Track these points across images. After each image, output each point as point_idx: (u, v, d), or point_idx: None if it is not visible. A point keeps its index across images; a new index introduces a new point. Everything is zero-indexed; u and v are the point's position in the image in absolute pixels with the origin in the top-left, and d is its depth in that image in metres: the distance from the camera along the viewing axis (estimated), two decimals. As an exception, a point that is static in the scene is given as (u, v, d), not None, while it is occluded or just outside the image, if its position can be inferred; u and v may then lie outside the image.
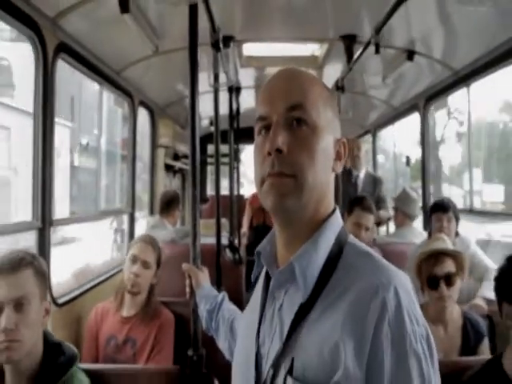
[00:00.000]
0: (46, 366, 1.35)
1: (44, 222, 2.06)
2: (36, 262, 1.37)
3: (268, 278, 0.90)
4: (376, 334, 0.72)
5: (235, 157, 4.21)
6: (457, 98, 3.35)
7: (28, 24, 1.96)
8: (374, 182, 4.30)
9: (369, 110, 4.84)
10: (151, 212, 4.04)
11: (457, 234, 2.89)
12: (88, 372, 1.49)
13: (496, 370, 1.48)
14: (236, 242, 3.64)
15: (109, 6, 2.11)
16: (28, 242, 2.10)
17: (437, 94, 3.38)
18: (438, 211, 2.86)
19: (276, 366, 0.80)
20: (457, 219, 2.86)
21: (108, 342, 2.12)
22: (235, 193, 4.17)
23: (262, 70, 3.82)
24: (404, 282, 0.78)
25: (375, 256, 0.83)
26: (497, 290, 1.52)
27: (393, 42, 2.76)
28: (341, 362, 0.73)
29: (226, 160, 4.02)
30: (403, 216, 3.65)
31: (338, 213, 0.89)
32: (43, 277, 1.39)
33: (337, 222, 0.87)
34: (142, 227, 3.79)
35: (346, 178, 4.13)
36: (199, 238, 1.63)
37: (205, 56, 2.35)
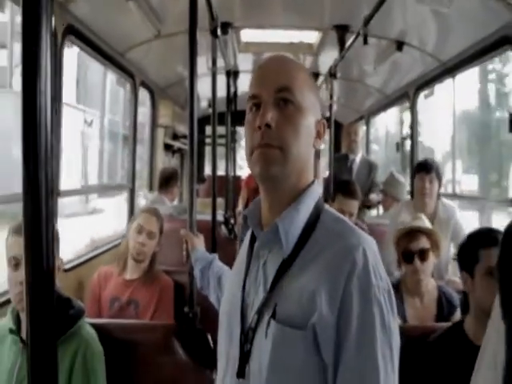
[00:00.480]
0: (58, 317, 1.53)
1: (52, 192, 2.23)
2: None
3: (253, 238, 1.04)
4: (347, 285, 0.87)
5: (232, 138, 4.37)
6: (444, 90, 3.50)
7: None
8: (369, 166, 4.43)
9: (363, 96, 4.98)
10: (150, 188, 4.21)
11: (439, 196, 2.94)
12: (93, 326, 1.67)
13: (458, 332, 1.67)
14: (231, 219, 3.81)
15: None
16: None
17: (426, 83, 3.53)
18: (421, 171, 2.90)
19: (260, 312, 0.94)
20: (439, 181, 2.90)
21: (112, 303, 2.29)
22: (231, 174, 4.34)
23: (260, 55, 3.95)
24: (371, 245, 0.94)
25: (348, 222, 0.99)
26: (458, 261, 1.71)
27: (383, 33, 2.91)
28: (316, 308, 0.87)
29: (223, 141, 4.18)
30: (391, 199, 3.82)
31: (316, 184, 1.03)
32: (56, 237, 1.56)
33: (315, 192, 1.01)
34: (142, 202, 3.96)
35: (342, 163, 4.27)
36: (195, 211, 1.81)
37: (204, 40, 2.49)
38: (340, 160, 4.23)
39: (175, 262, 2.35)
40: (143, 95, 3.96)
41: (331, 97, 3.40)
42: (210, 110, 2.64)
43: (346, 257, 0.89)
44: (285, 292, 0.92)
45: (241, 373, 0.94)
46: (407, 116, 4.08)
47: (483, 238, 1.65)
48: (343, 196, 2.87)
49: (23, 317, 1.51)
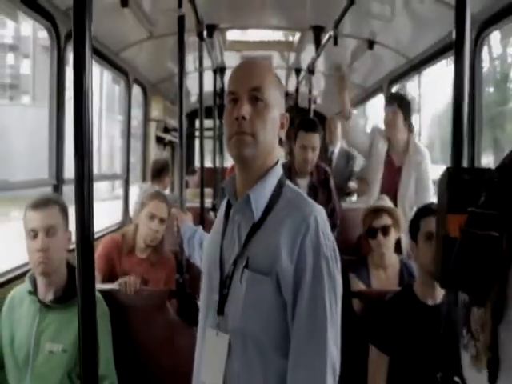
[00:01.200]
0: (69, 282, 1.81)
1: (58, 180, 2.51)
2: (60, 201, 1.81)
3: (228, 206, 1.32)
4: (302, 243, 1.15)
5: (219, 131, 4.66)
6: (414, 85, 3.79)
7: (45, 16, 2.38)
8: (347, 157, 4.73)
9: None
10: (143, 179, 4.48)
11: (411, 132, 3.13)
12: (99, 291, 1.95)
13: (408, 293, 1.97)
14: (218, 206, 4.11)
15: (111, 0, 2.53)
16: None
17: (396, 78, 3.83)
18: (386, 105, 3.17)
19: (236, 263, 1.21)
20: (405, 113, 3.07)
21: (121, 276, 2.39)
22: (219, 165, 4.64)
23: (245, 52, 4.24)
24: (321, 213, 1.22)
25: (303, 195, 1.27)
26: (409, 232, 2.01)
27: (354, 33, 3.20)
28: (279, 259, 1.14)
29: (212, 134, 4.47)
30: (365, 184, 4.10)
31: (280, 164, 1.31)
32: (66, 212, 1.81)
33: (279, 171, 1.29)
34: (136, 191, 4.24)
35: (322, 153, 4.57)
36: (185, 197, 2.11)
37: (193, 40, 2.77)
38: (320, 151, 4.52)
39: (169, 243, 2.63)
40: (136, 91, 4.22)
41: (310, 91, 3.69)
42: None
43: (301, 222, 1.16)
44: (255, 247, 1.19)
45: (220, 311, 1.21)
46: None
47: (423, 209, 1.96)
48: (305, 131, 2.90)
49: (40, 281, 1.78)
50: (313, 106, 4.14)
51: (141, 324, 1.99)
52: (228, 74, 4.57)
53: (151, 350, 1.97)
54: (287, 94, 5.72)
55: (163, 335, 1.98)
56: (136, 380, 1.98)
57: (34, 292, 1.78)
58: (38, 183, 2.53)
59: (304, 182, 2.93)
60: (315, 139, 2.90)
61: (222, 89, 4.72)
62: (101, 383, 1.76)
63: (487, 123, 4.01)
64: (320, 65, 4.10)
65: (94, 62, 2.60)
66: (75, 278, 1.77)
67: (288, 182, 1.30)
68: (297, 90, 4.84)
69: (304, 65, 4.44)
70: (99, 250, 2.53)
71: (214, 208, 3.73)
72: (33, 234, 1.73)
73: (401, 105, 3.09)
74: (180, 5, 2.03)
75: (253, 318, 1.16)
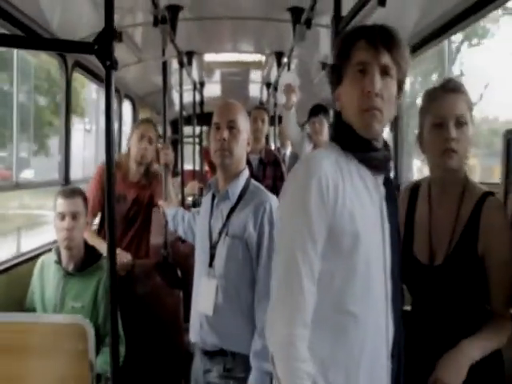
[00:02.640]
0: (86, 256, 2.40)
1: (66, 180, 3.15)
2: (83, 193, 2.41)
3: (213, 197, 1.97)
4: (262, 218, 1.80)
5: (199, 137, 5.33)
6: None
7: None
8: (297, 158, 5.38)
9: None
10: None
11: None
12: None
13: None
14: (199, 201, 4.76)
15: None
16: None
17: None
18: (311, 115, 3.73)
19: (220, 232, 1.86)
20: (328, 121, 3.65)
21: (118, 200, 2.82)
22: (198, 168, 5.33)
23: (220, 71, 4.92)
24: (274, 199, 1.86)
25: (263, 188, 1.94)
26: None
27: (308, 58, 3.87)
28: (247, 229, 1.79)
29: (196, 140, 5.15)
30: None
31: (246, 169, 1.95)
32: (86, 202, 2.40)
33: (246, 173, 1.94)
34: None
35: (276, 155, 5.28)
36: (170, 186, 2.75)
37: (175, 61, 3.40)
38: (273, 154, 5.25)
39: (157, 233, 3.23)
40: (126, 105, 4.87)
41: (275, 104, 4.37)
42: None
43: (261, 205, 1.84)
44: (232, 222, 1.86)
45: (210, 264, 1.87)
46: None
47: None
48: (257, 109, 3.81)
49: (63, 253, 2.34)
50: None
51: (135, 288, 2.62)
52: (207, 86, 5.25)
53: (143, 308, 2.59)
54: (262, 103, 6.41)
55: (152, 296, 2.60)
56: (132, 332, 2.60)
57: (59, 262, 2.36)
58: (51, 183, 3.17)
59: (255, 159, 3.58)
60: (263, 113, 3.73)
61: (202, 100, 5.39)
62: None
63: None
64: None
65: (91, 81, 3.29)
66: (90, 253, 2.39)
67: (252, 180, 1.98)
68: (267, 101, 5.51)
69: (272, 80, 5.12)
70: (95, 178, 2.90)
71: (195, 204, 4.38)
72: (61, 216, 2.30)
73: (325, 114, 3.73)
74: (163, 52, 2.68)
75: (231, 268, 1.83)
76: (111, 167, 1.33)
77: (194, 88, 4.59)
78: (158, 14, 2.49)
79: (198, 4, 3.01)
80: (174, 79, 4.55)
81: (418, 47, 2.71)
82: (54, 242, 2.62)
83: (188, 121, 5.44)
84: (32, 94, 11.04)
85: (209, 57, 4.40)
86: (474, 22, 2.38)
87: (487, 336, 1.44)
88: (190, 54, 3.85)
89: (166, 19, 2.59)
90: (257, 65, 4.65)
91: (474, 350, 1.41)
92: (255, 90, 5.99)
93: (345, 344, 1.21)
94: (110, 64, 1.36)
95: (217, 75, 5.22)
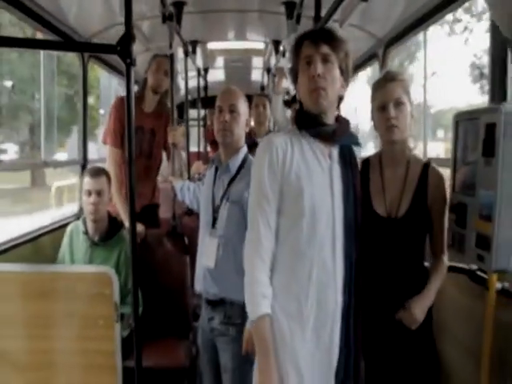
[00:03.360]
0: (109, 228, 2.74)
1: (84, 160, 3.50)
2: (107, 173, 2.74)
3: (216, 170, 2.29)
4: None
5: (204, 120, 5.68)
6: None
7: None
8: None
9: None
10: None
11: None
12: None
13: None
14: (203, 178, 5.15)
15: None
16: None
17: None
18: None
19: (222, 198, 2.19)
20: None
21: (136, 131, 2.92)
22: (203, 149, 5.68)
23: (222, 58, 5.24)
24: None
25: None
26: None
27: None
28: (243, 195, 2.06)
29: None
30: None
31: (245, 146, 2.27)
32: (110, 180, 2.73)
33: (245, 149, 2.27)
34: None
35: None
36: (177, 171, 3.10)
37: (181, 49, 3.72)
38: None
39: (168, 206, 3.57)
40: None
41: (273, 88, 4.70)
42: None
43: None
44: (231, 190, 2.19)
45: (213, 226, 2.21)
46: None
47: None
48: (258, 96, 3.98)
49: (89, 225, 2.70)
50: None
51: (148, 254, 2.97)
52: (211, 71, 5.58)
53: (155, 271, 2.95)
54: (263, 88, 6.73)
55: (163, 260, 2.97)
56: (145, 292, 2.95)
57: (86, 232, 2.72)
58: (74, 162, 3.53)
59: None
60: (264, 100, 3.89)
61: (206, 84, 5.72)
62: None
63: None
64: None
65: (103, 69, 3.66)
66: (113, 225, 2.74)
67: (250, 156, 2.28)
68: (268, 85, 5.83)
69: (270, 65, 5.44)
70: (113, 113, 3.11)
71: (200, 179, 4.75)
72: (88, 193, 2.64)
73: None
74: (171, 45, 3.00)
75: (230, 228, 2.16)
76: (131, 153, 1.68)
77: (199, 74, 4.91)
78: (165, 12, 2.81)
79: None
80: (179, 66, 4.87)
81: (392, 42, 3.04)
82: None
83: (193, 104, 5.78)
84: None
85: (212, 45, 4.71)
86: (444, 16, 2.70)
87: (436, 280, 1.87)
88: (194, 43, 4.16)
89: (173, 16, 2.90)
90: (257, 52, 4.96)
91: (431, 292, 1.83)
92: (257, 75, 6.30)
93: (296, 277, 1.60)
94: (130, 62, 1.70)
95: (220, 62, 5.52)
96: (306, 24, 3.26)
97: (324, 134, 1.65)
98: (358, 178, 1.70)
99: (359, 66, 4.12)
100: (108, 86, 5.10)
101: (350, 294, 1.62)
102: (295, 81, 1.69)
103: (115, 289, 1.90)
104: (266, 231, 1.61)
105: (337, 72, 1.62)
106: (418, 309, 1.79)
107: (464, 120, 1.84)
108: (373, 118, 1.93)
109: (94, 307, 1.91)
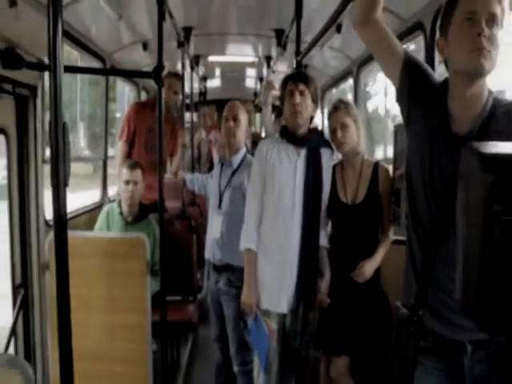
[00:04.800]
0: (140, 212, 3.32)
1: (105, 155, 4.18)
2: (141, 166, 3.30)
3: (221, 165, 2.99)
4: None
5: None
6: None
7: (98, 57, 3.99)
8: None
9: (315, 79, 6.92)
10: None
11: None
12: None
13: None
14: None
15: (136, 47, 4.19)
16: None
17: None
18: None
19: (226, 186, 2.89)
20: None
21: (147, 132, 3.73)
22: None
23: (220, 68, 5.96)
24: None
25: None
26: None
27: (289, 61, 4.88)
28: (243, 182, 2.78)
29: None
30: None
31: (244, 146, 2.98)
32: (143, 172, 3.31)
33: (244, 149, 2.97)
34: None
35: None
36: (183, 167, 3.79)
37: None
38: None
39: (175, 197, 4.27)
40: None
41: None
42: (187, 101, 4.60)
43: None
44: (234, 179, 2.88)
45: (219, 206, 2.91)
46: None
47: None
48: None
49: (124, 208, 3.27)
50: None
51: (165, 231, 3.65)
52: (209, 80, 6.32)
53: (169, 247, 3.61)
54: (256, 94, 7.46)
55: (174, 238, 3.63)
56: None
57: (121, 213, 3.32)
58: (96, 158, 4.21)
59: None
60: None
61: (205, 89, 6.48)
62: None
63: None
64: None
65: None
66: (142, 210, 3.42)
67: (249, 155, 2.98)
68: (260, 92, 6.56)
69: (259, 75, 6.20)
70: (126, 116, 3.84)
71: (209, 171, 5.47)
72: (126, 182, 3.22)
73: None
74: (183, 65, 3.70)
75: (232, 208, 2.82)
76: (161, 157, 2.38)
77: (200, 80, 5.64)
78: (180, 39, 3.52)
79: (204, 24, 4.02)
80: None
81: (364, 62, 3.75)
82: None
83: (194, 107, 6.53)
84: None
85: (212, 58, 5.42)
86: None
87: (381, 249, 2.54)
88: (197, 57, 4.87)
89: (185, 42, 3.60)
90: (251, 64, 5.67)
91: (377, 257, 2.51)
92: (250, 82, 7.02)
93: (270, 228, 2.47)
94: (161, 84, 2.39)
95: (218, 71, 6.25)
96: (292, 47, 3.99)
97: (294, 140, 2.45)
98: (320, 169, 2.43)
99: (338, 80, 4.85)
100: (122, 93, 5.74)
101: (305, 240, 2.41)
102: (282, 104, 2.49)
103: (147, 249, 2.59)
104: (256, 204, 2.50)
105: (309, 101, 2.42)
106: (366, 268, 2.46)
107: (401, 129, 2.53)
108: (330, 138, 2.63)
109: (132, 263, 2.58)
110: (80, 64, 3.92)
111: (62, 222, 1.15)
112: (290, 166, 2.45)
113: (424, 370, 1.60)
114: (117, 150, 4.08)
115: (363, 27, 1.57)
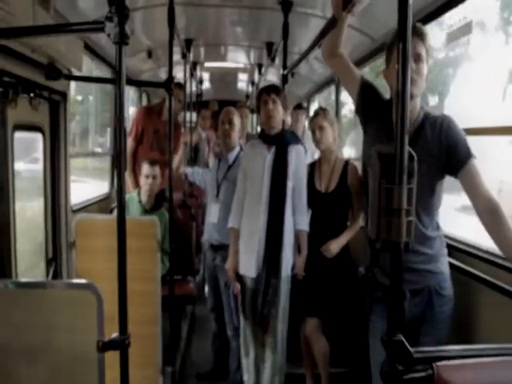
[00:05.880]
0: (156, 201, 3.87)
1: (115, 151, 4.68)
2: (159, 162, 3.84)
3: (219, 161, 3.54)
4: None
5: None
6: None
7: (111, 65, 4.50)
8: None
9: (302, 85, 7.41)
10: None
11: None
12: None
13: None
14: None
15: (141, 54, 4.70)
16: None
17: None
18: None
19: (223, 179, 3.43)
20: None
21: (154, 133, 4.36)
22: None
23: (215, 72, 6.51)
24: None
25: None
26: None
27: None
28: (239, 175, 3.21)
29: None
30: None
31: (238, 145, 3.52)
32: (162, 168, 3.85)
33: (238, 147, 3.50)
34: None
35: None
36: (184, 163, 4.32)
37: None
38: None
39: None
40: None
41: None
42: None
43: None
44: (229, 173, 3.42)
45: (217, 195, 3.45)
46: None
47: None
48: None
49: (144, 198, 3.79)
50: None
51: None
52: (205, 83, 6.86)
53: (173, 232, 4.13)
54: (247, 96, 8.00)
55: (176, 226, 4.14)
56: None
57: (140, 202, 3.84)
58: (108, 153, 4.73)
59: None
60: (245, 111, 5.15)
61: (201, 92, 7.01)
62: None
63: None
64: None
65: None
66: (158, 199, 3.97)
67: (241, 152, 3.50)
68: (252, 94, 7.11)
69: (250, 80, 6.76)
70: (135, 118, 4.47)
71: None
72: (146, 176, 3.74)
73: (300, 109, 5.20)
74: (185, 76, 4.22)
75: (227, 197, 3.31)
76: (170, 156, 2.90)
77: (197, 83, 6.18)
78: (183, 51, 4.05)
79: (203, 36, 4.55)
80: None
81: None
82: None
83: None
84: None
85: (208, 63, 5.95)
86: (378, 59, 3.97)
87: (349, 231, 3.11)
88: (195, 63, 5.39)
89: (186, 53, 4.14)
90: (243, 69, 6.22)
91: (344, 237, 3.08)
92: (243, 85, 7.57)
93: (245, 216, 3.06)
94: (171, 93, 2.92)
95: (213, 75, 6.79)
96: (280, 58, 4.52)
97: (266, 140, 3.05)
98: (285, 163, 2.96)
99: (322, 86, 5.40)
100: (128, 97, 6.26)
101: (270, 219, 2.95)
102: (258, 112, 3.07)
103: (158, 230, 3.10)
104: (240, 192, 3.12)
105: (280, 107, 2.98)
106: (332, 245, 3.03)
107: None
108: (311, 137, 3.20)
109: (146, 241, 3.07)
110: (94, 72, 4.43)
111: (121, 202, 1.64)
112: (261, 160, 3.03)
113: (377, 314, 2.15)
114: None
115: (330, 59, 2.12)
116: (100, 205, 4.22)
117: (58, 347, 1.71)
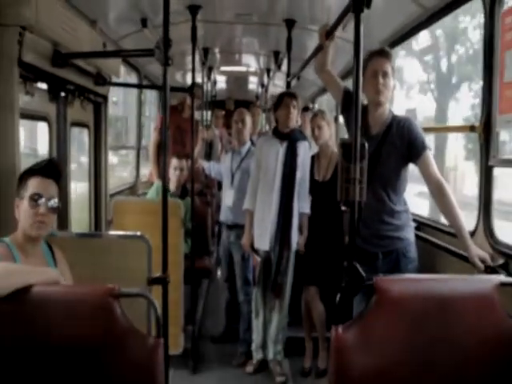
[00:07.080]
0: (182, 190, 4.53)
1: (139, 146, 5.33)
2: (188, 156, 4.38)
3: (232, 153, 4.16)
4: None
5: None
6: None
7: (135, 68, 5.12)
8: None
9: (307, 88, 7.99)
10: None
11: None
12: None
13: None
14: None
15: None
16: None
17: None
18: None
19: (237, 168, 4.05)
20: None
21: (177, 130, 4.86)
22: None
23: (229, 75, 7.15)
24: None
25: None
26: None
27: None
28: (250, 166, 3.88)
29: None
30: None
31: (249, 140, 4.16)
32: (187, 161, 4.44)
33: (249, 142, 4.14)
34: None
35: None
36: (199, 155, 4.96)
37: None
38: None
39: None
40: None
41: (265, 101, 6.57)
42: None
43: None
44: (242, 164, 4.05)
45: (232, 183, 4.07)
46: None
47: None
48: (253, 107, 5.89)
49: (172, 187, 4.31)
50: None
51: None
52: (218, 84, 7.53)
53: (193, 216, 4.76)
54: (257, 96, 8.64)
55: (195, 212, 4.75)
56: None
57: (169, 190, 4.38)
58: (131, 147, 5.38)
59: None
60: (258, 110, 5.90)
61: (215, 92, 7.68)
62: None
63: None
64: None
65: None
66: (184, 189, 4.63)
67: (252, 146, 4.15)
68: (262, 95, 7.75)
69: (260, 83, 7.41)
70: (159, 117, 5.12)
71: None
72: (174, 169, 4.30)
73: (306, 111, 5.85)
74: (203, 80, 4.85)
75: (241, 184, 3.95)
76: (193, 152, 3.54)
77: (211, 84, 6.84)
78: (203, 60, 4.69)
79: (218, 45, 5.18)
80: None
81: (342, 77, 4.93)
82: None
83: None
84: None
85: (223, 67, 6.59)
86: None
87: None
88: (210, 68, 6.04)
89: (205, 62, 4.77)
90: (253, 73, 6.86)
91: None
92: (253, 86, 8.21)
93: (260, 200, 3.63)
94: (193, 98, 3.56)
95: (226, 78, 7.44)
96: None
97: (279, 136, 3.60)
98: (295, 156, 3.55)
99: (324, 90, 6.01)
100: (150, 97, 6.96)
101: (281, 202, 3.53)
102: (275, 111, 3.62)
103: (182, 212, 3.71)
104: (255, 179, 3.65)
105: (296, 112, 3.55)
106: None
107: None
108: (311, 135, 3.80)
109: (172, 220, 3.59)
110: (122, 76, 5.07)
111: (165, 187, 2.25)
112: (274, 153, 3.60)
113: (357, 271, 2.76)
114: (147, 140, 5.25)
115: (320, 74, 2.75)
116: (129, 191, 4.87)
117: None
